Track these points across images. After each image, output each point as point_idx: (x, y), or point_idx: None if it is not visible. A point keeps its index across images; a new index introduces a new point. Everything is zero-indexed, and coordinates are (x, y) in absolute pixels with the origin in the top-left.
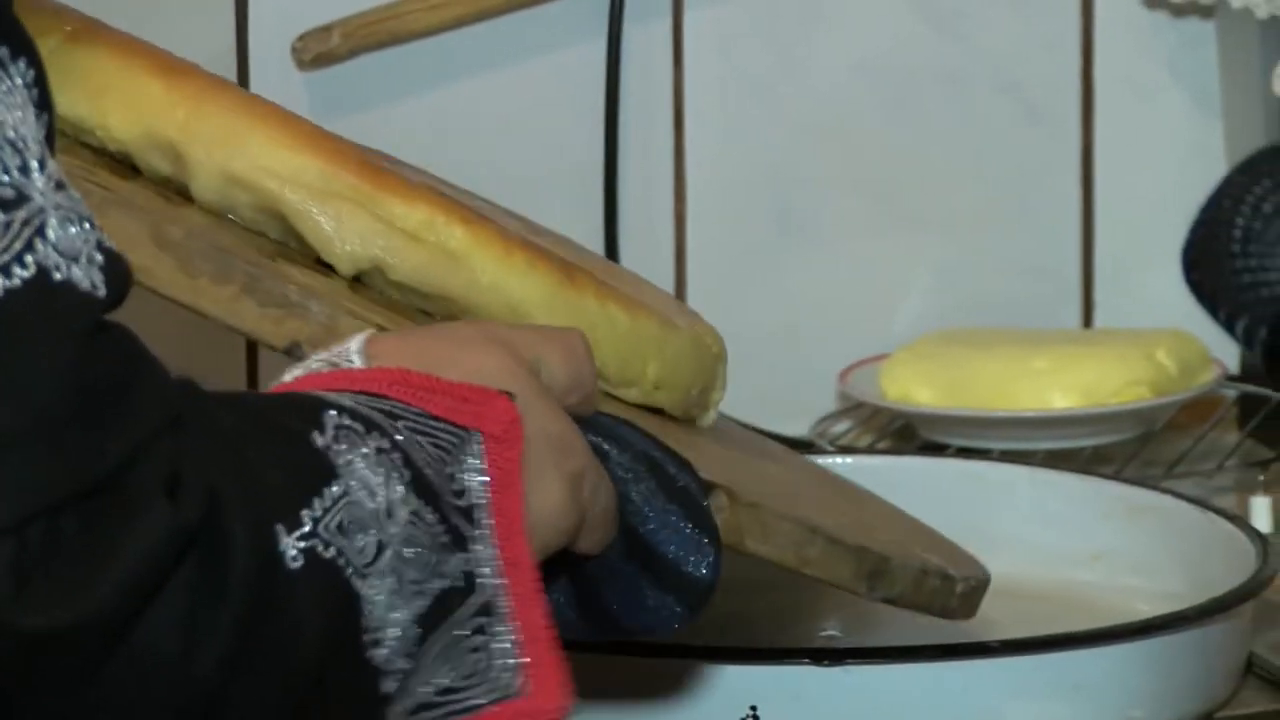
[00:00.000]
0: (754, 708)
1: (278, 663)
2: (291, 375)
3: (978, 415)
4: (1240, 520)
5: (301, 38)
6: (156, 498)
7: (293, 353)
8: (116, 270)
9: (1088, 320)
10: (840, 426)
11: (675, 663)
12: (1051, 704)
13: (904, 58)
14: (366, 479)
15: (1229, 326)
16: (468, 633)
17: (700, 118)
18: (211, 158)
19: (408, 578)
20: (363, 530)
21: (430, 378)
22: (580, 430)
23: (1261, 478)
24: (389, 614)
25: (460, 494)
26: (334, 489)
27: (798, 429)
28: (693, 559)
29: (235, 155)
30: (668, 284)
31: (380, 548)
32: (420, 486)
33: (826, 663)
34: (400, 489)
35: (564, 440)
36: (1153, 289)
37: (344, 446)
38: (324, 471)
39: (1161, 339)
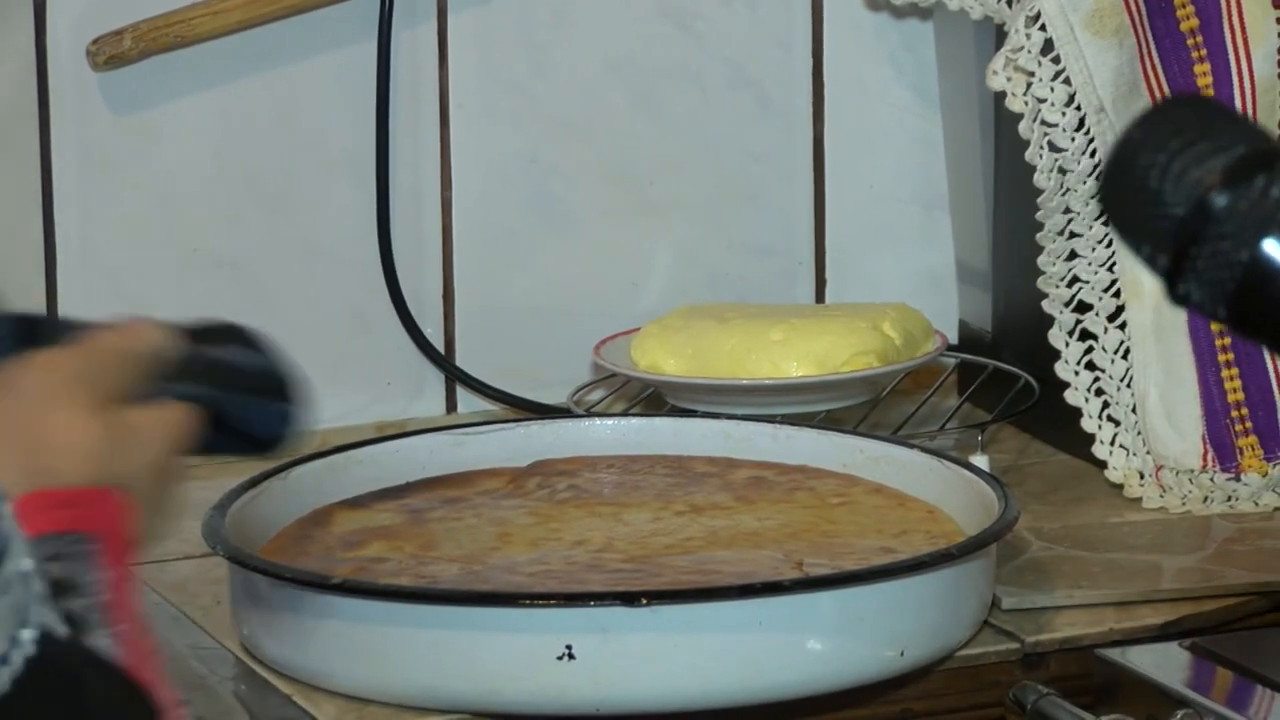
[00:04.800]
0: (569, 645)
1: None
2: None
3: (720, 383)
4: (974, 467)
5: (95, 41)
6: None
7: None
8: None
9: (820, 296)
10: (595, 395)
11: (506, 610)
12: (839, 638)
13: (648, 57)
14: None
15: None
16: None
17: (464, 113)
18: None
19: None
20: None
21: (41, 495)
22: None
23: (980, 438)
24: None
25: (80, 595)
26: None
27: (557, 398)
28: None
29: None
30: (435, 266)
31: None
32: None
33: (635, 603)
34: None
35: (146, 460)
36: (879, 267)
37: None
38: None
39: (887, 312)
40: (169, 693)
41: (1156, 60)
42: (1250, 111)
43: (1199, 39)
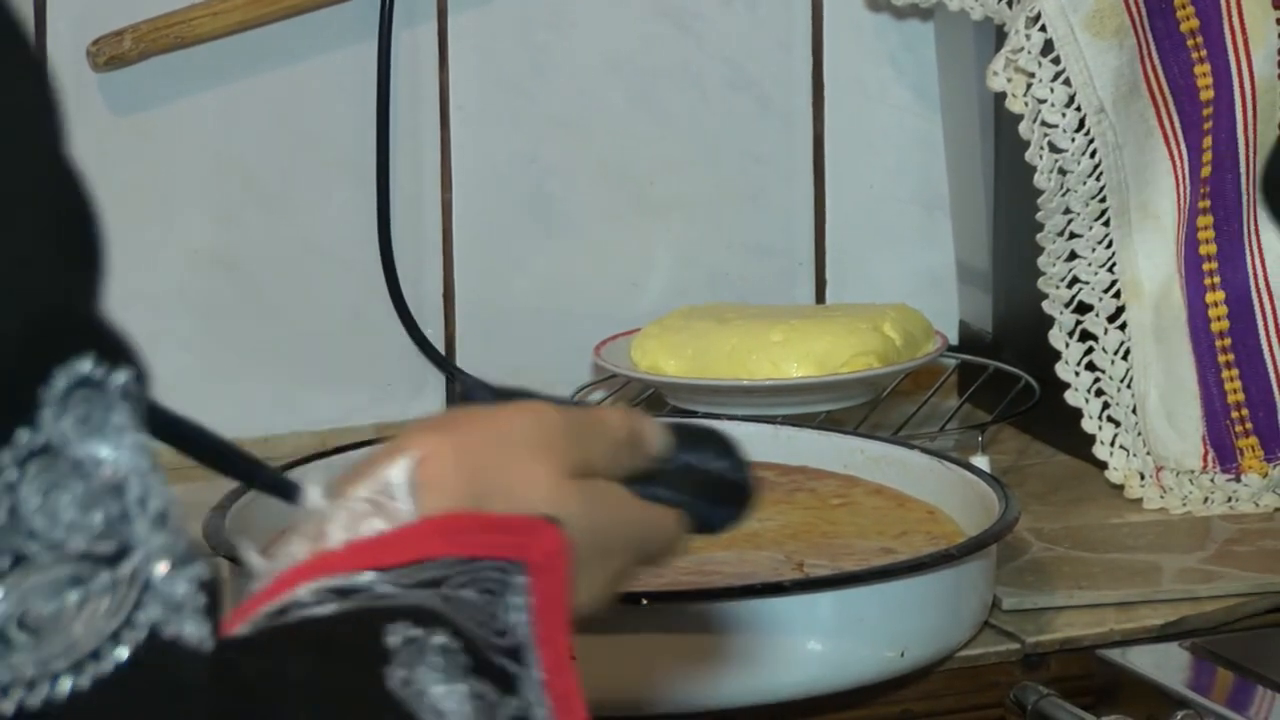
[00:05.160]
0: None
1: None
2: (335, 524)
3: (720, 384)
4: (974, 467)
5: (95, 42)
6: None
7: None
8: (217, 606)
9: (820, 297)
10: (596, 396)
11: None
12: (840, 638)
13: (647, 57)
14: (435, 695)
15: None
16: None
17: (464, 113)
18: None
19: None
20: None
21: (473, 516)
22: (630, 493)
23: (980, 438)
24: None
25: (503, 633)
26: None
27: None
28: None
29: None
30: (435, 266)
31: None
32: (477, 661)
33: (635, 604)
34: (460, 682)
35: (606, 537)
36: (879, 268)
37: (411, 673)
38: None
39: (887, 313)
40: None
41: (1157, 61)
42: (1250, 113)
43: (1199, 39)
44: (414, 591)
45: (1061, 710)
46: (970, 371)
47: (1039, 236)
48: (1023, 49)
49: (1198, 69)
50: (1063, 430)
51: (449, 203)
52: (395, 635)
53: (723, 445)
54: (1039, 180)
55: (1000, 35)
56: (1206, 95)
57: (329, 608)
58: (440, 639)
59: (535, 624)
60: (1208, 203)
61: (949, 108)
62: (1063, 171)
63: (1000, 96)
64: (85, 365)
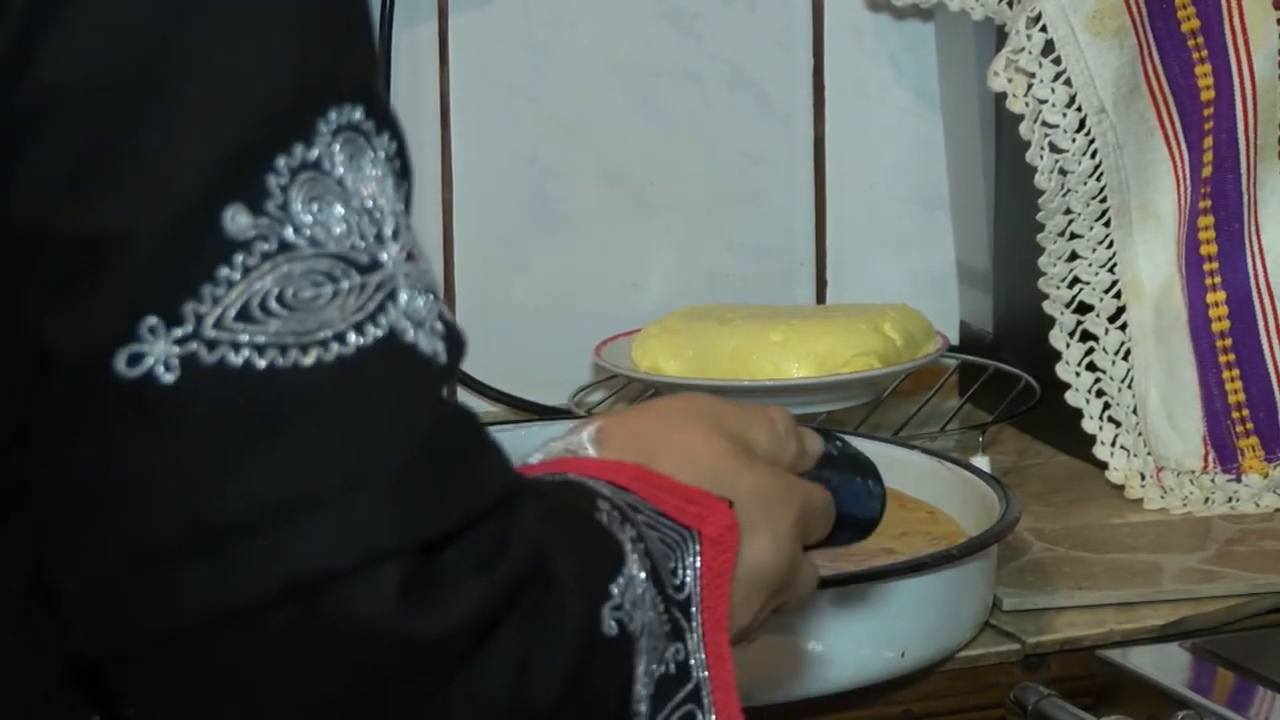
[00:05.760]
0: None
1: (601, 712)
2: (536, 458)
3: (721, 384)
4: (975, 468)
5: None
6: (501, 550)
7: None
8: (455, 340)
9: (820, 297)
10: (596, 396)
11: None
12: (840, 638)
13: (648, 58)
14: (634, 563)
15: None
16: (679, 718)
17: (464, 114)
18: None
19: (650, 661)
20: (640, 609)
21: (664, 478)
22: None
23: (981, 439)
24: (642, 691)
25: (680, 588)
26: (625, 568)
27: (558, 399)
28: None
29: None
30: (436, 266)
31: (642, 629)
32: (654, 577)
33: None
34: (645, 578)
35: (771, 494)
36: (879, 268)
37: (617, 531)
38: (616, 551)
39: (888, 313)
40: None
41: (1157, 61)
42: (1251, 114)
43: (1200, 40)
44: (616, 496)
45: (1062, 711)
46: (971, 372)
47: (1039, 237)
48: (1023, 49)
49: (1198, 69)
50: (1063, 430)
51: (449, 203)
52: (601, 504)
53: (866, 468)
54: (1040, 180)
55: (1001, 35)
56: (1207, 95)
57: (550, 480)
58: (630, 532)
59: (703, 588)
60: (1208, 203)
61: (949, 108)
62: (1063, 172)
63: (1001, 97)
64: (357, 114)
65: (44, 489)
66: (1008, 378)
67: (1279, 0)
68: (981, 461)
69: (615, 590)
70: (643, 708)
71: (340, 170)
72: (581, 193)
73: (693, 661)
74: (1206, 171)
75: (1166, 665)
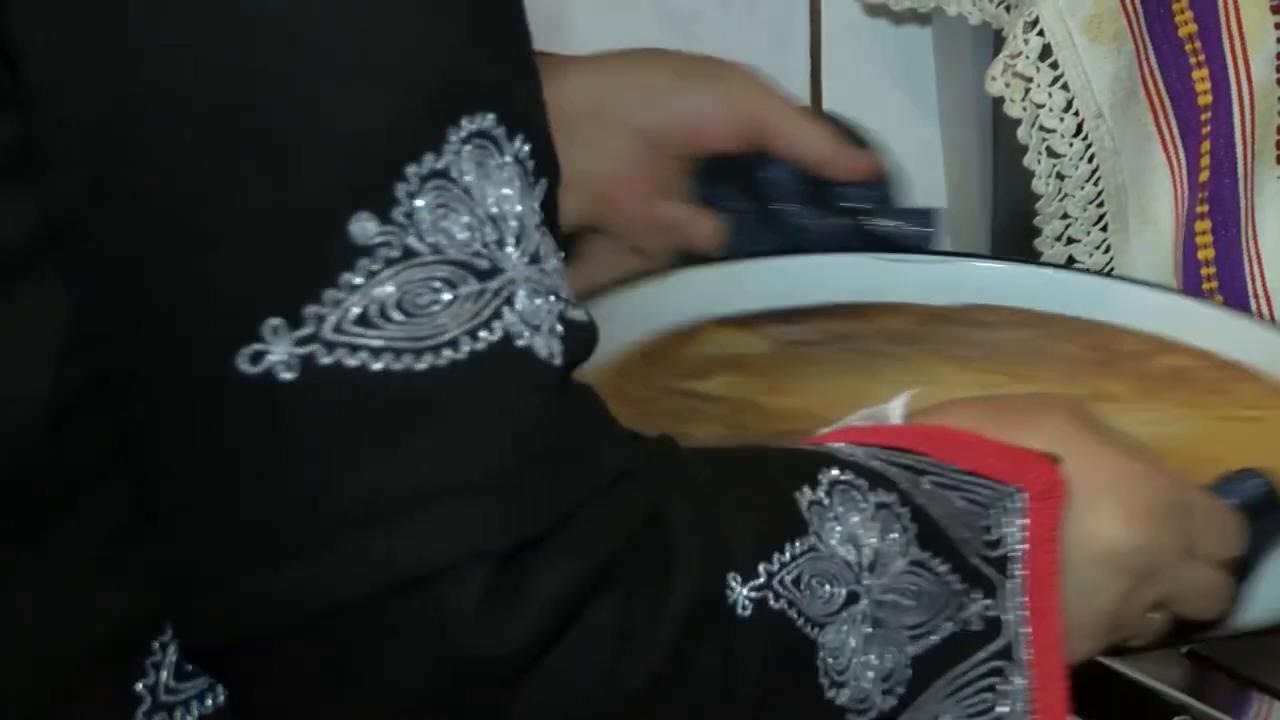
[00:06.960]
0: None
1: (708, 695)
2: (835, 427)
3: None
4: None
5: None
6: (597, 533)
7: None
8: (576, 339)
9: None
10: None
11: None
12: None
13: None
14: (852, 534)
15: None
16: (981, 674)
17: None
18: None
19: (895, 623)
20: (829, 582)
21: (969, 435)
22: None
23: None
24: (861, 657)
25: (994, 544)
26: (798, 545)
27: None
28: None
29: None
30: None
31: (852, 598)
32: (929, 538)
33: None
34: (898, 540)
35: (1126, 471)
36: None
37: (832, 502)
38: (794, 527)
39: None
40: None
41: (1154, 65)
42: (1248, 118)
43: (1197, 44)
44: (879, 463)
45: None
46: None
47: (1037, 241)
48: (1021, 54)
49: (1196, 74)
50: None
51: None
52: (828, 474)
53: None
54: (1037, 185)
55: (998, 40)
56: (1205, 100)
57: (750, 453)
58: (881, 497)
59: (1027, 543)
60: (1206, 208)
61: (947, 112)
62: (1060, 176)
63: (998, 101)
64: (488, 122)
65: (158, 480)
66: None
67: (1277, 5)
68: None
69: (765, 569)
70: (867, 674)
71: (468, 178)
72: None
73: (1008, 618)
74: (1204, 176)
75: (1163, 670)
